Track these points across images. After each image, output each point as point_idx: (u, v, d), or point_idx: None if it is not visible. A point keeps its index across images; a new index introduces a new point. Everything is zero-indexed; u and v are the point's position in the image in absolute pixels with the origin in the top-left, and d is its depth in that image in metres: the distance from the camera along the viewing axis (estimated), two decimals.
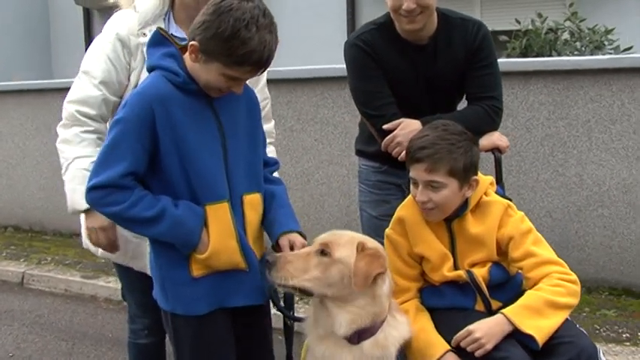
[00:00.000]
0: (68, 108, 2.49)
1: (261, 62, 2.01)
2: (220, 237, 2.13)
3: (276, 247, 2.24)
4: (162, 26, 2.43)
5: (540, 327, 2.11)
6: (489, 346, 2.08)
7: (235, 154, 2.18)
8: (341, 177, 5.37)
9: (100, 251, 2.56)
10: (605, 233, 4.65)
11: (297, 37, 9.20)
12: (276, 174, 2.51)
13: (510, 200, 2.65)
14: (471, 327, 2.12)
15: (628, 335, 3.99)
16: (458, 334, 2.15)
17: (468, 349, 2.11)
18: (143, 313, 2.73)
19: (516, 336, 2.12)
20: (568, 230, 4.68)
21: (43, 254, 6.29)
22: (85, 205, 2.31)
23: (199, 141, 2.09)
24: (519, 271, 2.36)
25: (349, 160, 5.08)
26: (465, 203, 2.35)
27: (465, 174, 2.27)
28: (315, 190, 5.52)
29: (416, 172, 2.29)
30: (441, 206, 2.29)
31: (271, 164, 2.44)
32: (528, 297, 2.20)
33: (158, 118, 2.03)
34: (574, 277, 2.24)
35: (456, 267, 2.37)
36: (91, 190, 2.05)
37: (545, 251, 2.30)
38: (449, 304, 2.38)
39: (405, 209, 2.46)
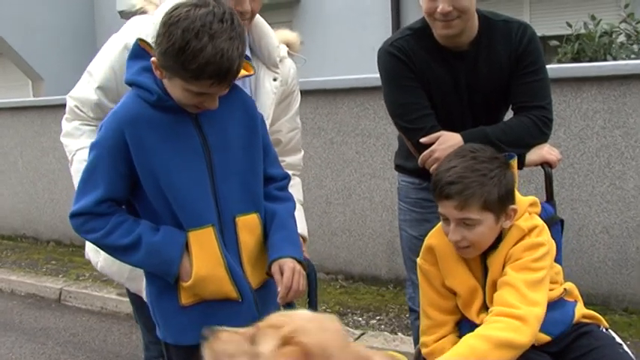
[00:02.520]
0: (69, 102, 2.45)
1: (220, 74, 1.81)
2: (205, 265, 1.96)
3: (270, 275, 2.05)
4: None
5: None
6: None
7: (225, 171, 2.00)
8: (384, 191, 5.14)
9: (99, 265, 2.47)
10: None
11: (341, 47, 9.06)
12: (297, 188, 2.31)
13: (561, 221, 2.41)
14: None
15: None
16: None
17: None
18: (155, 339, 2.56)
19: None
20: (627, 247, 4.35)
21: (81, 270, 6.24)
22: None
23: (178, 163, 1.93)
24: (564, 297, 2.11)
25: (392, 174, 4.83)
26: (501, 234, 2.10)
27: (501, 205, 2.02)
28: (357, 205, 5.30)
29: (446, 209, 2.05)
30: (477, 244, 2.05)
31: (279, 179, 2.22)
32: (469, 342, 1.88)
33: (130, 142, 1.90)
34: (522, 311, 1.89)
35: (485, 303, 2.13)
36: (72, 218, 1.99)
37: (519, 276, 1.97)
38: None
39: (435, 237, 2.23)
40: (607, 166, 4.35)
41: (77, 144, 2.40)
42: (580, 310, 2.19)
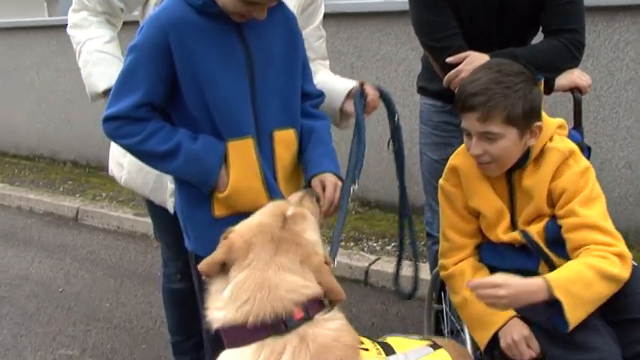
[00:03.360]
0: None
1: None
2: (243, 176, 1.93)
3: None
4: None
5: (584, 304, 1.79)
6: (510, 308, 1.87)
7: (266, 85, 1.95)
8: (404, 118, 4.95)
9: (122, 179, 2.43)
10: None
11: None
12: None
13: (589, 148, 2.34)
14: (499, 280, 1.77)
15: None
16: (480, 282, 1.82)
17: (484, 301, 1.80)
18: (175, 256, 2.58)
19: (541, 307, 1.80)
20: None
21: (98, 190, 6.28)
22: (102, 87, 2.23)
23: (221, 70, 1.87)
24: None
25: (412, 100, 4.75)
26: (527, 152, 2.03)
27: (525, 121, 1.94)
28: (375, 132, 5.23)
29: (468, 121, 1.98)
30: (499, 159, 1.99)
31: (314, 96, 2.18)
32: (575, 267, 1.86)
33: (174, 45, 1.83)
34: (619, 248, 1.88)
35: (513, 225, 2.09)
36: (106, 122, 1.91)
37: (593, 213, 1.93)
38: (509, 267, 2.10)
39: (459, 157, 2.17)
40: (635, 100, 4.23)
41: (85, 35, 2.34)
42: None
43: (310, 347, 1.41)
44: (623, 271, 1.84)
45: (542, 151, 2.03)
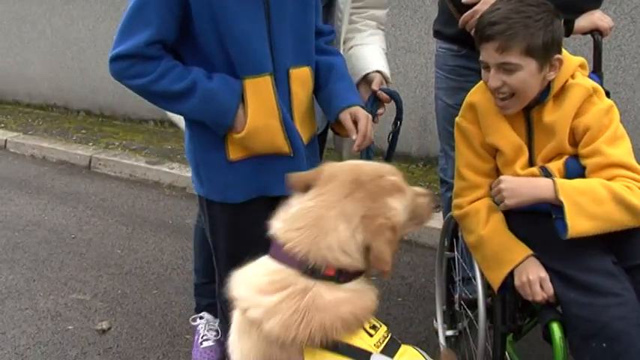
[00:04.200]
0: None
1: None
2: (260, 115, 1.86)
3: (335, 125, 1.96)
4: None
5: (589, 218, 1.76)
6: (509, 203, 1.85)
7: (281, 20, 1.87)
8: (419, 66, 4.96)
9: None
10: None
11: None
12: (380, 37, 2.28)
13: (607, 93, 2.26)
14: (502, 177, 1.91)
15: None
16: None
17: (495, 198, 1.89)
18: None
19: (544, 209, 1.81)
20: None
21: (111, 139, 6.27)
22: None
23: (237, 6, 1.78)
24: None
25: (428, 49, 4.67)
26: (547, 88, 1.97)
27: (545, 52, 1.87)
28: (391, 80, 5.14)
29: (486, 52, 1.91)
30: (518, 92, 1.92)
31: (326, 33, 2.10)
32: (589, 182, 1.84)
33: None
34: None
35: (531, 162, 2.03)
36: (114, 61, 1.80)
37: (618, 151, 1.89)
38: (526, 206, 2.07)
39: (477, 94, 2.10)
40: None
41: None
42: None
43: (305, 300, 1.40)
44: None
45: (564, 88, 1.97)
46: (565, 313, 1.82)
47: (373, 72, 2.26)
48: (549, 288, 1.84)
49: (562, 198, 1.76)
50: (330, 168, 1.55)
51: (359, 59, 2.30)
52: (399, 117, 2.26)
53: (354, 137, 1.89)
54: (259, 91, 1.85)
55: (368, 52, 2.32)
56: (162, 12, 1.75)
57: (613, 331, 1.70)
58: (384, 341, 1.48)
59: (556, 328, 1.82)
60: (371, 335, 1.47)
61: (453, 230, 2.49)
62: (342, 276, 1.44)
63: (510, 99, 1.94)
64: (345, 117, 1.93)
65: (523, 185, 1.85)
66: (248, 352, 1.45)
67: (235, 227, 1.98)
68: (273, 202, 1.99)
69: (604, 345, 1.71)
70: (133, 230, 4.30)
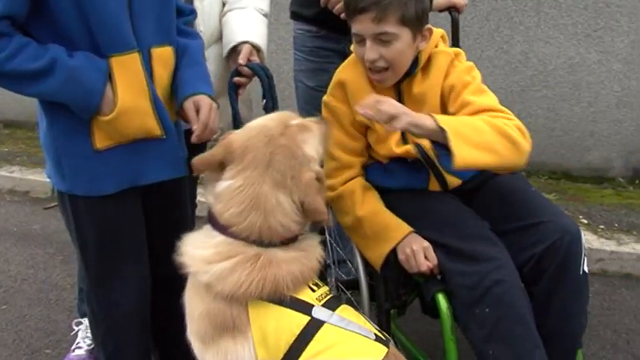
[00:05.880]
0: None
1: None
2: (130, 95, 1.71)
3: (181, 112, 1.84)
4: None
5: (473, 147, 1.68)
6: (399, 125, 1.68)
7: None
8: (270, 53, 4.87)
9: None
10: (547, 115, 4.46)
11: None
12: None
13: None
14: (379, 97, 1.73)
15: None
16: (364, 101, 1.72)
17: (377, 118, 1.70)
18: None
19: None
20: (510, 111, 4.43)
21: None
22: None
23: None
24: None
25: (277, 35, 4.62)
26: (415, 60, 1.98)
27: (418, 22, 1.89)
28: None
29: (361, 24, 1.88)
30: (394, 64, 1.91)
31: (186, 13, 1.98)
32: (467, 117, 1.79)
33: None
34: (519, 122, 1.80)
35: (404, 139, 2.02)
36: None
37: (486, 99, 1.88)
38: (399, 185, 2.07)
39: (347, 71, 2.07)
40: (496, 30, 4.36)
41: None
42: None
43: (260, 261, 1.49)
44: (522, 139, 1.74)
45: (430, 58, 1.99)
46: (448, 283, 1.84)
47: (240, 43, 2.16)
48: (433, 257, 1.85)
49: (443, 126, 1.67)
50: (238, 139, 1.56)
51: (227, 28, 2.21)
52: (269, 95, 2.13)
53: (194, 127, 1.79)
54: (127, 69, 1.70)
55: (239, 18, 2.22)
56: None
57: (494, 295, 1.73)
58: (325, 297, 1.56)
59: (442, 299, 1.83)
60: (313, 291, 1.56)
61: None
62: (288, 241, 1.55)
63: (386, 72, 1.93)
64: (189, 106, 1.81)
65: (405, 112, 1.70)
66: (195, 308, 1.55)
67: (104, 223, 1.81)
68: (141, 192, 1.86)
69: (487, 310, 1.74)
70: None
